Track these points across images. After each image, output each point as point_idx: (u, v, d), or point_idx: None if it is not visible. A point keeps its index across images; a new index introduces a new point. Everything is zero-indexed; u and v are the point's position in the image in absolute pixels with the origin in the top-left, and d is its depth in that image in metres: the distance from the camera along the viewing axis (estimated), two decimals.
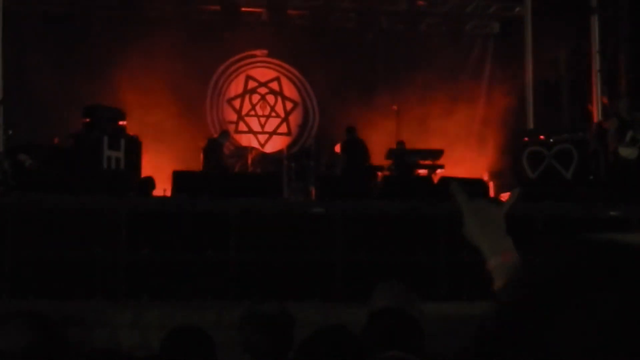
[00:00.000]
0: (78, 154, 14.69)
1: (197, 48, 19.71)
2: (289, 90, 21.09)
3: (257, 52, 20.90)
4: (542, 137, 16.52)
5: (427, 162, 17.41)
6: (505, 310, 0.96)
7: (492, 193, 16.72)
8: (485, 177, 17.90)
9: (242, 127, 20.73)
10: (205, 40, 19.94)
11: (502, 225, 2.20)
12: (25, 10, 19.06)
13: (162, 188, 15.06)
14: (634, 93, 17.44)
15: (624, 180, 14.70)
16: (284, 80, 21.10)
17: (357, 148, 17.58)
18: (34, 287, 11.38)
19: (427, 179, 16.39)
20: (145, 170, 15.22)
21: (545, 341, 0.91)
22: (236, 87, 20.91)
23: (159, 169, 15.86)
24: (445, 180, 15.05)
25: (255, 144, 19.99)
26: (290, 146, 19.86)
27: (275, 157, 19.04)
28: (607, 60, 19.69)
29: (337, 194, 13.72)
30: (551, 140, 15.99)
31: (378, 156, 17.57)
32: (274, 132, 20.77)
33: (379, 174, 16.60)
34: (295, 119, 20.94)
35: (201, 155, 17.45)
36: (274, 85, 21.07)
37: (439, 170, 17.11)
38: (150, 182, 14.69)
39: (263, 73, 21.07)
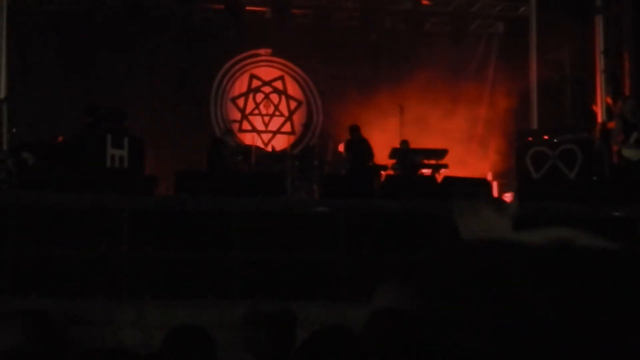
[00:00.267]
0: (81, 152, 14.67)
1: (200, 47, 19.73)
2: (293, 89, 21.08)
3: (261, 51, 20.89)
4: (546, 137, 16.49)
5: (431, 161, 17.39)
6: (413, 314, 0.98)
7: (495, 193, 16.70)
8: (489, 177, 17.88)
9: (245, 126, 20.72)
10: (209, 39, 19.95)
11: (504, 231, 2.17)
12: (29, 9, 19.06)
13: (165, 187, 15.06)
14: (638, 93, 17.41)
15: (628, 180, 14.68)
16: (288, 79, 21.09)
17: (360, 147, 17.56)
18: (37, 285, 11.38)
19: (431, 178, 16.38)
20: (149, 169, 15.21)
21: (452, 341, 0.92)
22: (240, 85, 20.90)
23: (162, 168, 15.86)
24: (449, 179, 15.04)
25: (259, 143, 19.98)
26: (294, 145, 19.84)
27: (279, 156, 19.03)
28: (611, 60, 19.67)
29: (341, 193, 13.71)
30: (555, 140, 15.96)
31: (382, 155, 17.55)
32: (277, 131, 20.76)
33: (383, 173, 16.58)
34: (299, 118, 20.93)
35: (205, 155, 17.43)
36: (278, 84, 21.07)
37: (442, 170, 17.09)
38: (153, 181, 14.68)
39: (267, 72, 21.06)
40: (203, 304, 11.07)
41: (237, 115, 20.71)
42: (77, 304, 10.76)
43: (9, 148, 15.06)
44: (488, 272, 0.97)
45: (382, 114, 19.31)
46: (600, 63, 19.89)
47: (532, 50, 20.61)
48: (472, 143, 20.09)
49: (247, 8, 20.31)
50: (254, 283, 11.73)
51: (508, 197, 15.69)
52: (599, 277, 0.94)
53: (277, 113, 20.96)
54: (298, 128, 20.71)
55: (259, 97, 20.98)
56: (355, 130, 17.89)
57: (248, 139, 20.09)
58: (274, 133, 20.74)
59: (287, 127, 20.88)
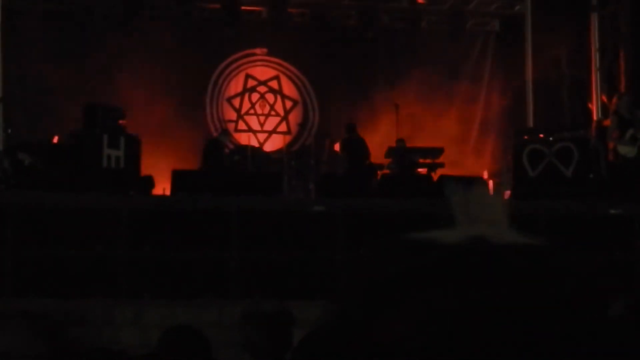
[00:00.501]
0: (78, 152, 14.67)
1: (197, 46, 19.72)
2: (289, 88, 21.07)
3: (257, 51, 20.88)
4: (542, 135, 16.51)
5: (427, 160, 17.39)
6: (337, 311, 0.99)
7: (491, 191, 16.67)
8: (485, 176, 17.89)
9: (241, 125, 20.71)
10: (205, 39, 19.94)
11: (501, 215, 2.16)
12: (25, 8, 19.02)
13: (162, 187, 15.05)
14: (633, 91, 17.43)
15: (624, 178, 14.70)
16: (284, 79, 21.08)
17: (357, 146, 17.57)
18: (35, 285, 11.38)
19: (427, 177, 16.38)
20: (145, 169, 15.20)
21: (375, 338, 0.93)
22: (236, 85, 20.89)
23: (159, 167, 15.85)
24: (445, 178, 15.06)
25: (254, 143, 19.97)
26: (290, 145, 19.83)
27: (275, 155, 19.03)
28: (607, 58, 19.68)
29: (338, 192, 13.72)
30: (551, 138, 15.97)
31: (378, 154, 17.56)
32: (273, 131, 20.75)
33: (379, 172, 16.59)
34: (295, 117, 20.92)
35: (201, 154, 17.43)
36: (274, 84, 21.06)
37: (438, 169, 17.09)
38: (149, 181, 14.69)
39: (263, 72, 21.05)
40: (201, 303, 11.08)
41: (233, 115, 20.70)
42: (75, 304, 10.76)
43: (5, 148, 15.06)
44: (401, 273, 0.97)
45: (378, 113, 19.33)
46: (595, 61, 19.91)
47: (528, 48, 20.63)
48: (468, 142, 20.10)
49: (243, 7, 20.28)
50: (252, 283, 11.73)
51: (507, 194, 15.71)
52: (511, 274, 0.95)
53: (272, 113, 20.95)
54: (294, 128, 20.70)
55: (255, 96, 20.97)
56: (351, 129, 17.90)
57: (244, 138, 20.08)
58: (270, 133, 20.74)
59: (283, 127, 20.88)
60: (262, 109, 20.92)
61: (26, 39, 18.68)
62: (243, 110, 20.84)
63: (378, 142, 17.98)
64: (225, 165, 17.26)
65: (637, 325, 3.69)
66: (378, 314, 0.95)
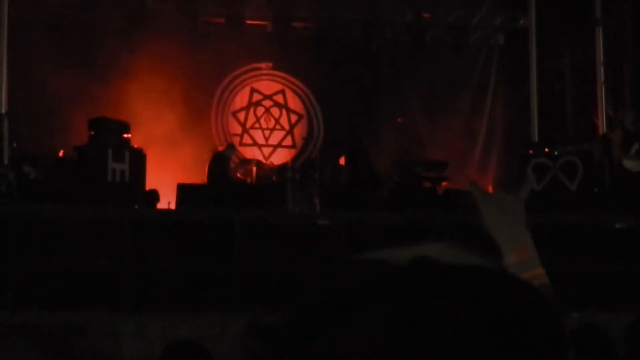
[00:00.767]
0: (83, 166, 14.71)
1: (201, 60, 19.74)
2: (294, 102, 21.09)
3: (262, 65, 20.91)
4: (546, 149, 16.52)
5: (432, 174, 17.40)
6: (285, 326, 0.99)
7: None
8: (490, 190, 17.88)
9: (246, 139, 20.73)
10: (210, 53, 19.97)
11: (522, 215, 2.15)
12: (30, 21, 19.07)
13: (167, 201, 15.06)
14: (638, 104, 17.42)
15: (629, 192, 14.68)
16: (289, 93, 21.10)
17: (361, 160, 17.58)
18: (39, 298, 11.37)
19: (432, 190, 16.39)
20: (150, 183, 15.22)
21: (316, 356, 0.94)
22: (241, 99, 20.91)
23: (164, 181, 15.87)
24: (449, 192, 15.06)
25: (259, 157, 19.98)
26: (295, 159, 19.84)
27: (280, 169, 19.04)
28: (611, 71, 19.68)
29: (342, 205, 13.72)
30: (556, 152, 15.99)
31: (382, 168, 17.56)
32: (278, 145, 20.76)
33: (384, 186, 16.58)
34: (300, 131, 20.93)
35: (206, 168, 17.44)
36: (279, 98, 21.08)
37: (443, 182, 17.09)
38: (154, 195, 14.70)
39: (268, 85, 21.08)
40: (204, 316, 11.07)
41: (238, 129, 20.72)
42: (78, 316, 10.75)
43: (10, 162, 15.08)
44: (346, 291, 0.98)
45: (382, 126, 19.34)
46: (600, 75, 19.90)
47: (533, 62, 20.62)
48: (473, 155, 20.10)
49: (248, 22, 20.33)
50: (256, 296, 11.72)
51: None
52: (452, 296, 0.94)
53: (277, 127, 20.96)
54: (299, 141, 20.71)
55: (260, 110, 20.99)
56: (356, 142, 17.91)
57: (249, 152, 20.10)
58: (275, 147, 20.75)
59: (288, 141, 20.89)
60: (267, 123, 20.94)
61: (32, 52, 18.71)
62: (248, 124, 20.85)
63: (382, 155, 17.98)
64: (230, 179, 17.28)
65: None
66: (321, 330, 0.95)
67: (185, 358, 4.40)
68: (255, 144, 20.66)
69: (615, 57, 19.57)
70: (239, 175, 17.98)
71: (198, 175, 17.24)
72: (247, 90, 20.94)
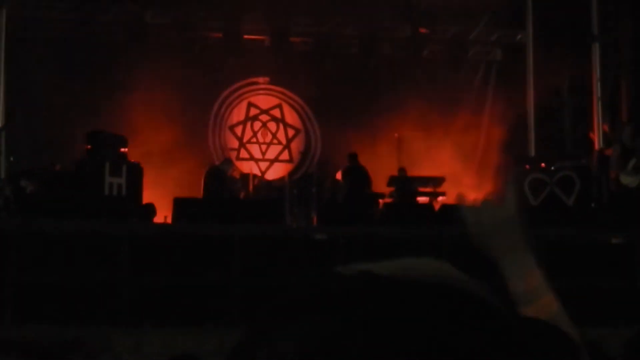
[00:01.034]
0: (80, 180, 14.71)
1: (199, 74, 19.76)
2: (291, 117, 21.10)
3: (260, 79, 20.93)
4: (543, 164, 16.54)
5: (429, 189, 17.41)
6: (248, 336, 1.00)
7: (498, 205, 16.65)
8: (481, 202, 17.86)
9: (243, 154, 20.74)
10: (208, 67, 19.99)
11: (518, 230, 2.04)
12: (29, 35, 19.10)
13: (163, 215, 15.05)
14: (635, 120, 17.46)
15: (626, 207, 14.70)
16: (286, 107, 21.12)
17: (358, 175, 17.59)
18: (36, 312, 11.36)
19: (429, 206, 16.40)
20: (147, 197, 15.22)
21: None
22: (238, 114, 20.93)
23: (160, 195, 15.87)
24: (446, 207, 15.07)
25: (256, 171, 19.98)
26: (292, 173, 19.84)
27: (277, 184, 19.04)
28: (608, 87, 19.72)
29: (339, 220, 13.73)
30: (553, 167, 16.01)
31: (380, 183, 17.57)
32: (275, 159, 20.77)
33: (380, 200, 16.59)
34: (297, 146, 20.94)
35: (202, 182, 17.43)
36: (276, 113, 21.09)
37: (440, 198, 17.10)
38: (151, 209, 14.70)
39: (265, 100, 21.09)
40: (203, 331, 11.06)
41: (235, 144, 20.73)
42: (75, 331, 10.74)
43: (7, 176, 15.09)
44: (287, 303, 0.99)
45: (379, 141, 19.35)
46: (597, 90, 19.95)
47: (530, 77, 20.68)
48: (470, 170, 20.11)
49: (246, 36, 20.37)
50: (254, 310, 11.71)
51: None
52: (387, 311, 0.95)
53: (274, 141, 20.97)
54: (296, 156, 20.72)
55: (257, 125, 21.00)
56: (353, 157, 17.92)
57: (246, 167, 20.10)
58: (272, 161, 20.75)
59: (285, 155, 20.90)
60: (264, 138, 20.95)
61: (30, 66, 18.73)
62: (245, 139, 20.86)
63: (379, 170, 17.99)
64: (226, 194, 17.27)
65: None
66: (264, 337, 0.96)
67: None
68: (252, 158, 20.66)
69: (612, 73, 19.62)
70: (236, 189, 17.98)
71: (195, 190, 17.22)
72: (244, 105, 20.95)
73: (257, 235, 12.47)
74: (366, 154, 18.48)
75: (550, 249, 13.04)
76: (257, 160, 20.66)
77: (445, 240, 12.50)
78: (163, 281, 11.88)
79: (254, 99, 21.02)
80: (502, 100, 20.62)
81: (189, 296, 11.86)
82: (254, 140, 20.90)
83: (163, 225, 14.24)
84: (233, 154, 20.35)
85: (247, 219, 13.18)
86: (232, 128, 20.79)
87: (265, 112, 21.05)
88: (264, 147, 20.88)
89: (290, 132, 21.06)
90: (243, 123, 20.92)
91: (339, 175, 18.08)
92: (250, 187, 18.27)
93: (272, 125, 21.04)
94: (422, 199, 17.22)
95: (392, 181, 17.40)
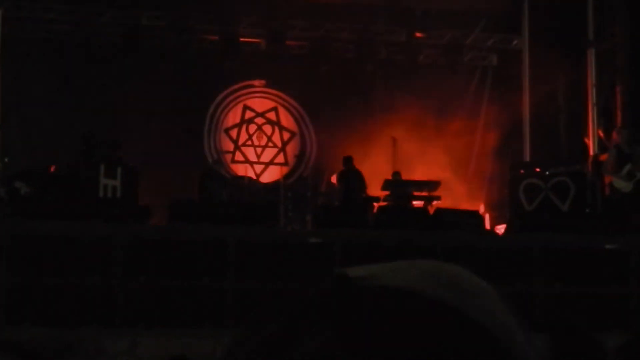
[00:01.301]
0: (74, 182, 14.69)
1: (195, 77, 19.78)
2: (287, 120, 21.11)
3: (255, 82, 20.94)
4: (538, 169, 16.55)
5: (424, 193, 17.41)
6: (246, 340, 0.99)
7: (487, 225, 16.71)
8: (482, 209, 17.91)
9: (238, 157, 20.74)
10: (204, 70, 20.01)
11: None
12: (24, 38, 19.09)
13: (158, 217, 15.04)
14: (630, 126, 17.47)
15: (620, 213, 14.70)
16: (282, 111, 21.13)
17: (353, 178, 17.59)
18: (30, 314, 11.35)
19: (423, 210, 16.40)
20: (142, 199, 15.20)
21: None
22: (233, 116, 20.93)
23: (155, 197, 15.85)
24: (441, 211, 15.07)
25: (251, 174, 19.99)
26: (287, 176, 19.84)
27: (272, 186, 19.03)
28: (603, 93, 19.75)
29: (334, 224, 13.72)
30: (547, 172, 16.01)
31: (374, 187, 17.58)
32: (270, 162, 20.77)
33: (375, 204, 16.59)
34: (292, 149, 20.94)
35: (196, 184, 17.42)
36: (272, 116, 21.10)
37: (435, 202, 17.10)
38: (146, 211, 14.68)
39: (261, 103, 21.10)
40: (197, 333, 11.05)
41: (230, 146, 20.73)
42: (69, 333, 10.73)
43: (1, 177, 15.06)
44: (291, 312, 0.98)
45: (375, 145, 19.36)
46: (592, 96, 19.98)
47: (525, 83, 20.71)
48: (465, 175, 20.12)
49: (242, 39, 20.38)
50: (248, 313, 11.71)
51: (500, 229, 15.72)
52: (364, 319, 0.94)
53: (270, 144, 20.98)
54: (291, 159, 20.71)
55: (252, 128, 21.00)
56: (348, 161, 17.92)
57: (241, 170, 20.10)
58: (267, 164, 20.75)
59: (280, 158, 20.90)
60: (259, 141, 20.96)
61: (25, 68, 18.73)
62: (240, 142, 20.87)
63: (375, 174, 18.00)
64: (220, 196, 17.26)
65: None
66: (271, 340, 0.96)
67: None
68: (247, 161, 20.67)
69: (607, 79, 19.65)
70: (229, 191, 17.96)
71: (190, 192, 17.22)
72: (239, 108, 20.96)
73: (251, 238, 12.46)
74: (361, 158, 18.49)
75: (545, 255, 13.05)
76: (252, 163, 20.66)
77: (439, 244, 12.51)
78: (157, 283, 11.87)
79: (249, 102, 21.03)
80: (497, 105, 20.64)
81: (183, 298, 11.85)
82: (249, 143, 20.91)
83: (158, 228, 14.23)
84: (228, 157, 20.36)
85: (242, 221, 13.16)
86: (227, 131, 20.80)
87: (261, 115, 21.06)
88: (259, 149, 20.88)
89: (286, 135, 21.06)
90: (238, 126, 20.93)
91: (334, 179, 18.07)
92: (245, 189, 18.24)
93: (267, 128, 21.05)
94: (417, 203, 17.22)
95: (386, 185, 17.40)
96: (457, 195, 18.62)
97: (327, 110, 20.38)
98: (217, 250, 12.16)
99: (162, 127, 18.72)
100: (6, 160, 16.18)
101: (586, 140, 19.79)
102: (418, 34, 20.97)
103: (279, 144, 21.02)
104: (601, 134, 19.21)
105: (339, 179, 17.81)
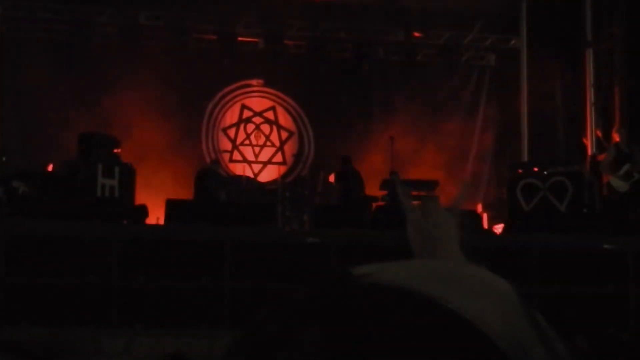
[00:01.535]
0: (72, 181, 14.67)
1: (193, 76, 19.76)
2: (285, 119, 21.09)
3: (253, 82, 20.92)
4: (536, 169, 16.54)
5: (422, 192, 17.39)
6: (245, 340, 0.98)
7: (485, 225, 16.71)
8: (479, 209, 17.91)
9: (236, 156, 20.72)
10: (202, 69, 19.99)
11: (454, 235, 2.01)
12: (21, 37, 19.08)
13: (156, 216, 15.03)
14: (628, 126, 17.48)
15: (618, 213, 14.71)
16: (280, 110, 21.11)
17: (351, 178, 17.58)
18: (27, 314, 11.34)
19: None
20: (139, 198, 15.20)
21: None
22: (231, 116, 20.91)
23: (153, 197, 15.85)
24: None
25: (249, 174, 19.97)
26: (285, 175, 19.83)
27: (270, 186, 19.02)
28: (601, 93, 19.75)
29: (332, 223, 13.72)
30: (545, 172, 16.01)
31: (372, 186, 17.57)
32: (268, 162, 20.75)
33: (373, 204, 16.58)
34: (290, 148, 20.93)
35: (193, 184, 17.40)
36: (270, 115, 21.08)
37: None
38: (143, 210, 14.67)
39: (259, 102, 21.08)
40: (193, 333, 11.04)
41: (228, 146, 20.71)
42: (66, 332, 10.72)
43: None
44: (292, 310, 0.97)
45: (373, 145, 19.36)
46: (590, 96, 19.98)
47: (523, 83, 20.70)
48: (463, 174, 20.11)
49: (240, 38, 20.36)
50: (245, 313, 11.70)
51: (498, 228, 15.73)
52: (360, 317, 0.93)
53: (268, 143, 20.96)
54: (289, 158, 20.70)
55: (250, 127, 20.98)
56: (346, 161, 17.91)
57: (239, 169, 20.08)
58: (265, 163, 20.74)
59: (278, 158, 20.88)
60: (257, 140, 20.93)
61: (23, 67, 18.71)
62: (238, 141, 20.84)
63: (373, 174, 18.00)
64: (218, 195, 17.25)
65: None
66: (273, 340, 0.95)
67: None
68: (245, 160, 20.64)
69: (605, 79, 19.65)
70: (227, 191, 17.94)
71: (187, 192, 17.21)
72: (237, 107, 20.94)
73: (249, 238, 12.45)
74: (359, 157, 18.49)
75: (542, 255, 13.05)
76: (250, 163, 20.64)
77: None
78: (154, 283, 11.86)
79: (247, 101, 21.01)
80: (495, 105, 20.64)
81: (180, 298, 11.85)
82: (247, 142, 20.89)
83: (155, 227, 14.22)
84: (226, 156, 20.34)
85: (240, 221, 13.15)
86: (225, 130, 20.77)
87: (259, 114, 21.04)
88: (257, 149, 20.86)
89: (284, 135, 21.05)
90: (236, 125, 20.91)
91: (332, 178, 18.07)
92: (243, 189, 18.23)
93: (265, 128, 21.03)
94: (415, 203, 17.18)
95: (384, 185, 17.40)
96: (455, 194, 18.60)
97: (325, 109, 20.39)
98: (214, 250, 12.15)
99: (159, 127, 18.70)
100: (4, 159, 16.16)
101: (584, 140, 19.79)
102: (416, 34, 20.96)
103: (277, 144, 21.00)
104: (599, 134, 19.21)
105: (337, 179, 17.80)
